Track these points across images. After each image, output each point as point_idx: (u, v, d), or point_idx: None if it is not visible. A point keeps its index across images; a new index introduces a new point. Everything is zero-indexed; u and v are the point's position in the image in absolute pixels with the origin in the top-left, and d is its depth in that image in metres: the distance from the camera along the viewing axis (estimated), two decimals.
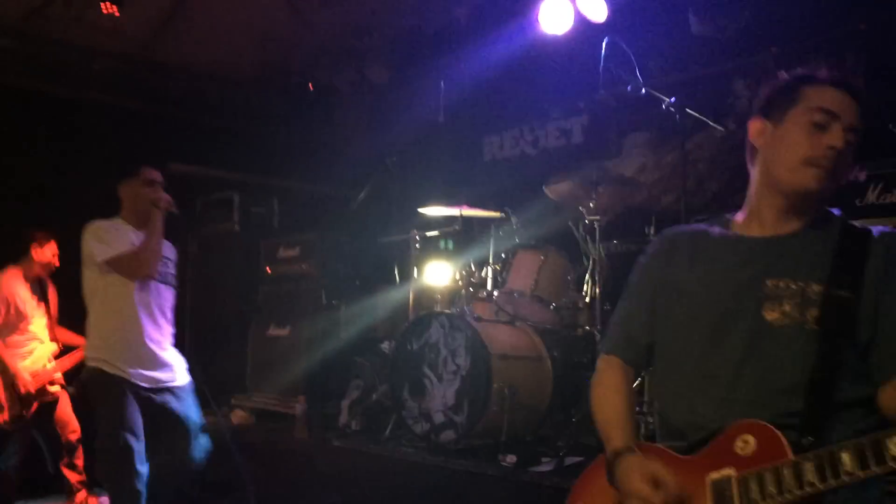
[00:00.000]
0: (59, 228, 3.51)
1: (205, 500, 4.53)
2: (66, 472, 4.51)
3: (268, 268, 5.25)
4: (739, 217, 1.71)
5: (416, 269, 4.59)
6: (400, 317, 4.66)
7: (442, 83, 5.19)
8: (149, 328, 3.36)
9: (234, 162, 6.08)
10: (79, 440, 4.55)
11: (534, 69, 5.42)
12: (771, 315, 1.52)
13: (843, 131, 1.53)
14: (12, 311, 4.35)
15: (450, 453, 3.65)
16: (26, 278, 4.46)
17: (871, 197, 2.59)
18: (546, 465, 3.35)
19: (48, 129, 5.50)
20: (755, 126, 1.66)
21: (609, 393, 1.74)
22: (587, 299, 3.86)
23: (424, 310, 4.35)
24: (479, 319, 3.92)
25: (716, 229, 1.71)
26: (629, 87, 3.78)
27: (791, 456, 1.34)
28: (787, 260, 1.56)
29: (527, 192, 4.57)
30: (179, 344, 5.51)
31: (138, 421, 3.24)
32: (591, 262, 3.92)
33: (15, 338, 4.37)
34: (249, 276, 5.32)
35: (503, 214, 4.38)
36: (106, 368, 3.24)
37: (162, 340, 3.44)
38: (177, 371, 3.49)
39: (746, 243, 1.63)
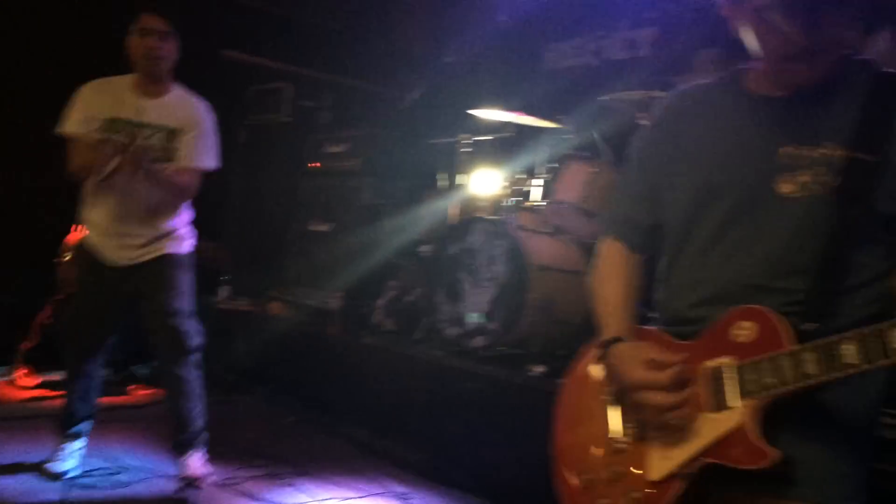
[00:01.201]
0: None
1: (241, 386, 4.67)
2: None
3: (314, 162, 5.19)
4: (753, 70, 1.46)
5: (463, 175, 4.47)
6: (443, 221, 4.58)
7: None
8: (111, 217, 3.02)
9: (289, 54, 5.94)
10: None
11: None
12: (785, 187, 1.35)
13: None
14: None
15: (479, 359, 3.62)
16: None
17: None
18: None
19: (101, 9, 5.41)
20: None
21: (606, 279, 1.60)
22: None
23: (468, 215, 4.26)
24: (521, 228, 3.82)
25: (727, 87, 1.49)
26: None
27: (791, 345, 1.25)
28: (804, 123, 1.36)
29: (585, 103, 4.37)
30: (219, 232, 5.61)
31: (98, 303, 3.08)
32: None
33: None
34: (295, 169, 5.27)
35: (557, 123, 4.20)
36: (84, 242, 3.13)
37: (132, 227, 3.03)
38: (158, 245, 3.09)
39: (758, 104, 1.41)
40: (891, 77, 1.36)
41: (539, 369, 3.34)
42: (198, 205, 3.79)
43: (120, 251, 3.05)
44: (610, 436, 1.48)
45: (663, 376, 1.36)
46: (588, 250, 3.83)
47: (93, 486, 3.01)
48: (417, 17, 6.43)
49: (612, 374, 1.47)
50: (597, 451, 1.50)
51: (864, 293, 1.34)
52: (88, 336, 3.10)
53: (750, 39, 1.36)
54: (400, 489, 3.27)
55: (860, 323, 1.21)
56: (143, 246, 3.06)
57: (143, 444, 3.49)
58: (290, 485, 3.21)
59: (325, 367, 4.29)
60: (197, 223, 4.51)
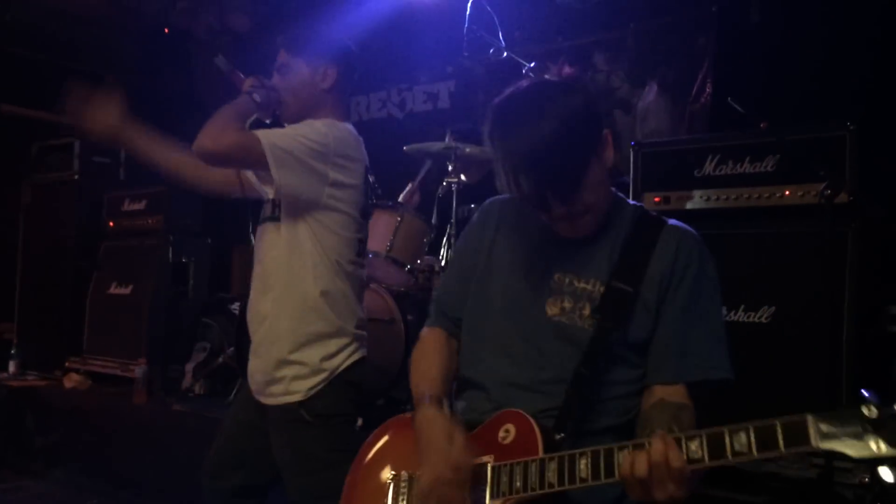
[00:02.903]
0: None
1: (34, 471, 4.24)
2: None
3: (111, 222, 4.90)
4: None
5: None
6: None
7: None
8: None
9: None
10: None
11: (403, 30, 5.31)
12: (551, 309, 1.54)
13: None
14: None
15: None
16: None
17: (709, 168, 2.68)
18: None
19: None
20: None
21: (423, 356, 1.71)
22: (443, 262, 3.84)
23: None
24: None
25: (532, 212, 1.62)
26: (491, 51, 3.75)
27: (541, 453, 1.37)
28: (577, 257, 1.56)
29: (390, 155, 4.49)
30: (9, 302, 5.12)
31: None
32: (448, 225, 3.89)
33: None
34: (90, 230, 4.94)
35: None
36: None
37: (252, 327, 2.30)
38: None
39: (546, 233, 1.59)
40: (650, 221, 1.57)
41: (358, 422, 3.32)
42: None
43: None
44: None
45: (453, 452, 1.44)
46: (398, 298, 3.91)
47: None
48: (213, 65, 6.31)
49: (419, 429, 1.53)
50: None
51: (615, 404, 1.51)
52: None
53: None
54: None
55: (609, 430, 1.38)
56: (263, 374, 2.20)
57: None
58: None
59: (132, 441, 4.00)
60: None
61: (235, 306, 4.38)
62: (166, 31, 5.99)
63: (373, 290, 3.94)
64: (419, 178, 4.39)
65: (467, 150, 3.85)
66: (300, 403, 2.10)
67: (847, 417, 1.10)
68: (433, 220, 4.00)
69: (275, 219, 2.18)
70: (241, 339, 3.87)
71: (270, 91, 2.25)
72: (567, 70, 1.48)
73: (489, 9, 3.86)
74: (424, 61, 5.42)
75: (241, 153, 2.04)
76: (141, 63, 6.22)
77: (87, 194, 5.00)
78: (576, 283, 1.54)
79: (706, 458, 1.19)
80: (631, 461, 1.24)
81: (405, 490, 1.54)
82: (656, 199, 2.71)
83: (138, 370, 4.20)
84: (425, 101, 5.52)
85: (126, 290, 4.65)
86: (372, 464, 1.66)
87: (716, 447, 1.18)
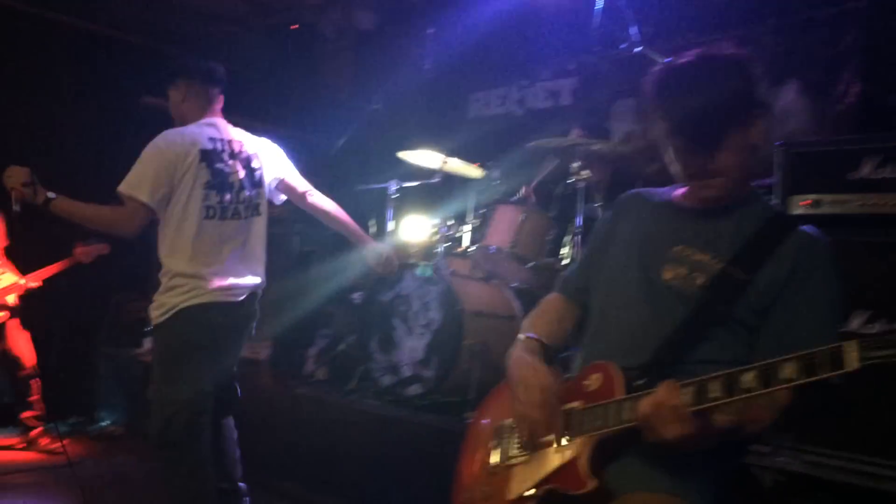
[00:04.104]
0: (27, 157, 3.27)
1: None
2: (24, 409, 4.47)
3: None
4: (683, 187, 1.79)
5: (392, 221, 4.48)
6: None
7: (430, 31, 5.02)
8: None
9: None
10: (29, 376, 4.46)
11: (526, 27, 5.28)
12: (667, 274, 1.67)
13: None
14: None
15: (415, 408, 3.59)
16: None
17: (866, 170, 2.51)
18: None
19: (22, 51, 5.26)
20: None
21: (539, 309, 1.94)
22: (566, 261, 3.80)
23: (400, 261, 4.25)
24: (454, 274, 3.85)
25: (663, 195, 1.83)
26: (622, 46, 3.67)
27: (620, 395, 1.53)
28: (697, 231, 1.68)
29: (511, 151, 4.47)
30: (145, 281, 5.41)
31: None
32: (572, 223, 3.85)
33: None
34: None
35: (485, 169, 4.28)
36: None
37: None
38: None
39: (673, 210, 1.76)
40: (781, 220, 1.67)
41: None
42: (126, 257, 3.64)
43: None
44: (490, 462, 1.77)
45: (538, 395, 1.65)
46: (519, 295, 3.89)
47: None
48: (343, 63, 6.48)
49: (511, 364, 1.76)
50: (478, 475, 1.80)
51: (710, 367, 1.50)
52: None
53: (669, 159, 1.67)
54: None
55: None
56: None
57: None
58: None
59: (256, 420, 4.15)
60: (128, 277, 4.26)
61: (356, 295, 4.48)
62: (294, 26, 6.18)
63: (493, 286, 3.95)
64: (541, 175, 4.36)
65: (594, 146, 3.79)
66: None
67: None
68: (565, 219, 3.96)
69: None
70: (362, 328, 3.96)
71: (30, 184, 2.73)
72: (735, 50, 1.59)
73: (622, 2, 3.78)
74: (546, 57, 5.36)
75: (142, 216, 2.75)
76: (268, 58, 6.46)
77: None
78: (694, 256, 1.66)
79: (692, 401, 1.38)
80: (642, 404, 1.43)
81: (508, 435, 1.75)
82: (805, 203, 2.57)
83: (263, 352, 4.36)
84: (546, 97, 5.46)
85: None
86: (484, 416, 1.92)
87: (726, 388, 1.35)
